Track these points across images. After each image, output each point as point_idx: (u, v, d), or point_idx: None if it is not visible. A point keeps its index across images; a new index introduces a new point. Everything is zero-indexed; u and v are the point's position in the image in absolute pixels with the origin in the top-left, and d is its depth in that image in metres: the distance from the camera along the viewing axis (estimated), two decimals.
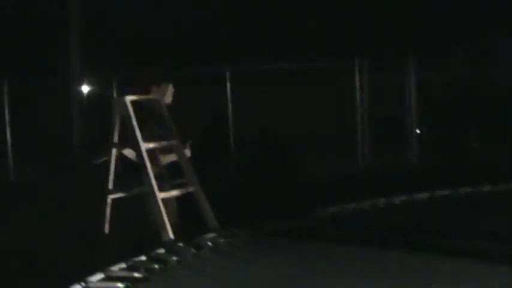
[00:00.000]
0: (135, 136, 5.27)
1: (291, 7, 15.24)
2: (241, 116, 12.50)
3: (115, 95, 11.54)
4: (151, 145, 5.35)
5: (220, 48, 14.27)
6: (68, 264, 4.58)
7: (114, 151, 5.41)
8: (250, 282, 4.06)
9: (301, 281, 4.08)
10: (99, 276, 4.14)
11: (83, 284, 3.96)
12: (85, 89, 13.49)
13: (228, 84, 12.26)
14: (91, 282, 4.02)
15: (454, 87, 13.51)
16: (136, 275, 4.14)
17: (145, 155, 5.22)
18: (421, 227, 5.43)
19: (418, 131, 13.15)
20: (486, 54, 13.76)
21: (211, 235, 5.10)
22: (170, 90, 5.62)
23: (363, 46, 13.45)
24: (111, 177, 5.41)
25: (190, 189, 5.43)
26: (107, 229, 5.42)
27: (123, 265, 4.35)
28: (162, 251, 4.71)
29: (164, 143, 5.47)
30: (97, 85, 13.55)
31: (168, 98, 5.61)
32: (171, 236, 5.01)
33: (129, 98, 5.39)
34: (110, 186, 5.43)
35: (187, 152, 5.62)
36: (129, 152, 5.49)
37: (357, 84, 12.39)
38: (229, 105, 12.28)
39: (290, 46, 14.39)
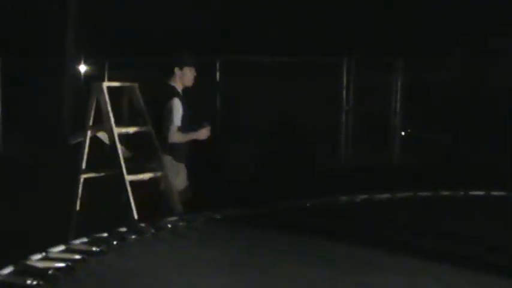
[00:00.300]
0: (108, 120, 5.61)
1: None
2: (231, 108, 12.73)
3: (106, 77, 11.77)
4: (123, 130, 5.69)
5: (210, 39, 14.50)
6: (34, 237, 4.90)
7: (88, 133, 5.78)
8: (199, 263, 4.36)
9: (247, 265, 4.36)
10: (60, 248, 4.45)
11: (43, 254, 4.26)
12: (82, 68, 13.70)
13: (218, 74, 12.52)
14: (51, 252, 4.32)
15: (441, 89, 13.68)
16: (94, 248, 4.46)
17: (117, 138, 5.57)
18: (376, 224, 5.71)
19: (402, 133, 13.40)
20: (477, 55, 13.93)
21: (173, 218, 5.42)
22: (192, 73, 5.95)
23: (352, 45, 13.64)
24: (84, 157, 5.77)
25: (158, 173, 5.77)
26: (77, 207, 5.78)
27: (84, 239, 4.66)
28: (123, 229, 5.02)
29: (137, 129, 5.80)
30: (93, 66, 13.76)
31: (188, 82, 5.96)
32: (136, 216, 5.40)
33: (106, 84, 5.74)
34: (83, 165, 5.79)
35: (206, 132, 5.89)
36: (103, 135, 5.84)
37: (344, 82, 12.62)
38: (218, 96, 12.56)
39: (281, 40, 14.60)
